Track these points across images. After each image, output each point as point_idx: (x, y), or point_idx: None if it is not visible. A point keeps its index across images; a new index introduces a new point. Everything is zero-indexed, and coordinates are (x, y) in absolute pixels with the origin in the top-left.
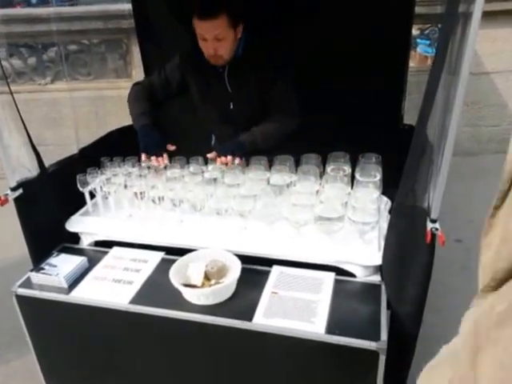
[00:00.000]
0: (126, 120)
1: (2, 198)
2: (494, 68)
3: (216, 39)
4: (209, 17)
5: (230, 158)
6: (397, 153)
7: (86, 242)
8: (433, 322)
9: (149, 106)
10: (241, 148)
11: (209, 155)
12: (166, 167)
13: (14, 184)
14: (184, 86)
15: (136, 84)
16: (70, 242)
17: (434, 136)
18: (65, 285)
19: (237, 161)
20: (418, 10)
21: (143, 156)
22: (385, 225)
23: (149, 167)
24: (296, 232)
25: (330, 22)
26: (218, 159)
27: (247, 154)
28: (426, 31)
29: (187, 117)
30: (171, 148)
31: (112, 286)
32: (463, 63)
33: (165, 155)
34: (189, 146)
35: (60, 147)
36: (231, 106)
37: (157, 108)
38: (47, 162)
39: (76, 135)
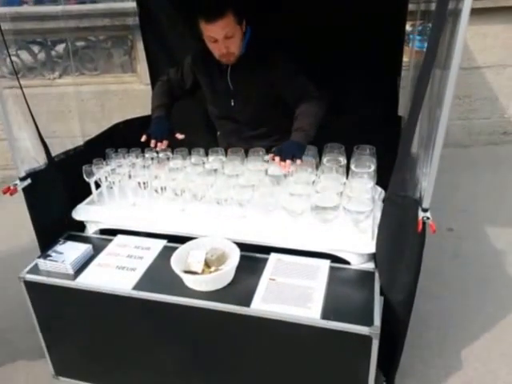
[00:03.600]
0: (130, 113)
1: (11, 187)
2: (485, 63)
3: (226, 38)
4: (217, 18)
5: (288, 162)
6: (391, 144)
7: (91, 230)
8: (424, 308)
9: (166, 100)
10: (301, 150)
11: (269, 156)
12: (168, 158)
13: (22, 174)
14: (197, 85)
15: (159, 80)
16: (75, 230)
17: (426, 128)
18: (71, 271)
19: (298, 162)
20: (410, 6)
21: (143, 137)
22: (379, 214)
23: (152, 158)
24: (293, 221)
25: (321, 19)
26: (281, 163)
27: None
28: (419, 27)
29: (196, 110)
30: (180, 137)
31: (116, 273)
32: (453, 58)
33: (165, 142)
34: (196, 137)
35: (67, 139)
36: (232, 103)
37: (174, 102)
38: (55, 154)
39: (82, 128)
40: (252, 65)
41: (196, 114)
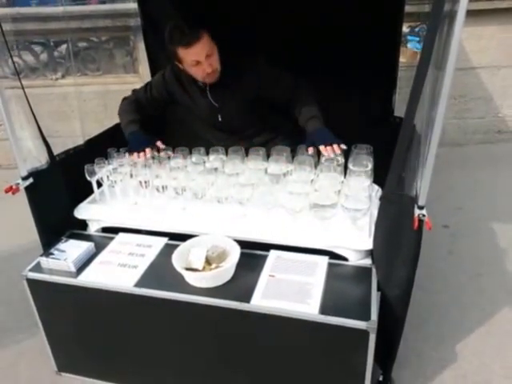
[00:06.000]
0: None
1: (14, 186)
2: (480, 63)
3: (207, 56)
4: (194, 40)
5: (335, 145)
6: (387, 144)
7: (93, 229)
8: (420, 303)
9: (136, 116)
10: (332, 135)
11: (310, 151)
12: (169, 157)
13: (24, 173)
14: (172, 102)
15: (124, 99)
16: (77, 229)
17: (421, 127)
18: (73, 269)
19: (343, 146)
20: (408, 8)
21: (127, 155)
22: (376, 211)
23: (153, 158)
24: (292, 218)
25: (320, 19)
26: (327, 149)
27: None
28: (416, 28)
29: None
30: (161, 146)
31: (118, 270)
32: (449, 58)
33: (147, 150)
34: (192, 144)
35: (70, 139)
36: (219, 119)
37: (146, 119)
38: (57, 153)
39: (84, 128)
40: (230, 79)
41: (187, 122)
